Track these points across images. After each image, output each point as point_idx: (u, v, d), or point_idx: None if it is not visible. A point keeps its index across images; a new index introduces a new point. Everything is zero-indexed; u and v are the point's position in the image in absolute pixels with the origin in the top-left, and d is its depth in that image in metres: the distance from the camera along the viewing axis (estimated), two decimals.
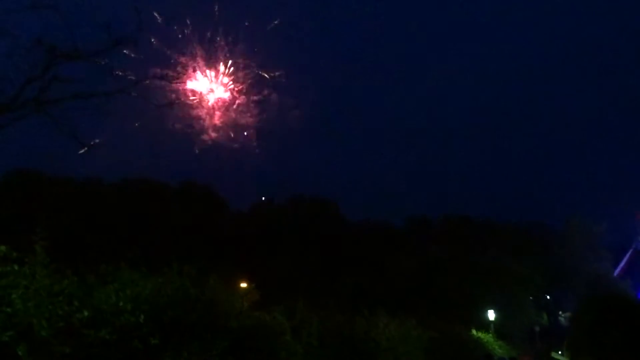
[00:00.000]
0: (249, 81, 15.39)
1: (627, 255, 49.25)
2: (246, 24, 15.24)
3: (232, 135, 16.00)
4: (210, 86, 15.26)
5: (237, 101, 15.51)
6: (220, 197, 45.09)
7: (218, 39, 14.98)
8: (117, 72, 12.98)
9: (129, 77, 13.35)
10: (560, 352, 28.45)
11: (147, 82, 13.62)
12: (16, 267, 5.30)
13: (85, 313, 5.20)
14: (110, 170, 40.74)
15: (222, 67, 15.27)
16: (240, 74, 15.25)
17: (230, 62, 15.13)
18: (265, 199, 46.06)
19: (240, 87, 15.37)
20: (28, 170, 37.14)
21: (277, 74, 15.25)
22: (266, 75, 15.33)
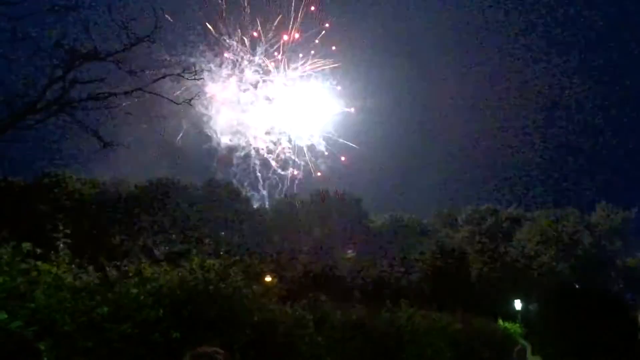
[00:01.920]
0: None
1: None
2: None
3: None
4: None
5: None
6: (244, 193, 45.50)
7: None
8: (135, 72, 13.16)
9: (147, 76, 13.55)
10: None
11: (165, 79, 13.79)
12: (40, 264, 5.41)
13: (105, 309, 5.28)
14: (136, 172, 41.47)
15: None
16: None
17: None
18: (288, 194, 46.22)
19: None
20: (57, 173, 38.16)
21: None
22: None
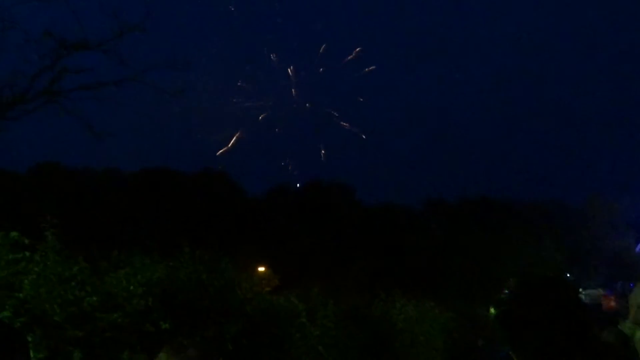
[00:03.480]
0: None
1: None
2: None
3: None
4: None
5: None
6: (238, 184, 45.47)
7: None
8: (126, 61, 12.99)
9: (139, 66, 13.37)
10: None
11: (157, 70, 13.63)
12: (27, 254, 5.37)
13: (95, 298, 5.25)
14: (130, 162, 41.33)
15: None
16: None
17: None
18: (282, 184, 46.21)
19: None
20: (50, 163, 38.06)
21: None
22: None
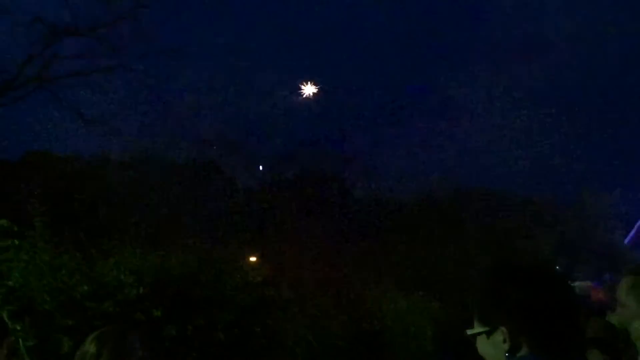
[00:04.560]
0: None
1: (638, 225, 48.99)
2: None
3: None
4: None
5: None
6: (227, 173, 45.32)
7: None
8: (117, 48, 12.89)
9: (130, 52, 13.28)
10: None
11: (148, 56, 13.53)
12: (17, 242, 5.33)
13: (85, 287, 5.23)
14: (121, 149, 41.10)
15: None
16: None
17: None
18: (271, 174, 46.09)
19: None
20: (39, 151, 37.75)
21: None
22: None
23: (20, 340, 4.33)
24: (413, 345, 12.18)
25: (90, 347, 2.60)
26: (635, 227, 48.78)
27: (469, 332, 1.82)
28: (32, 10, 12.78)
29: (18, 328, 4.41)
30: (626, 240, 46.84)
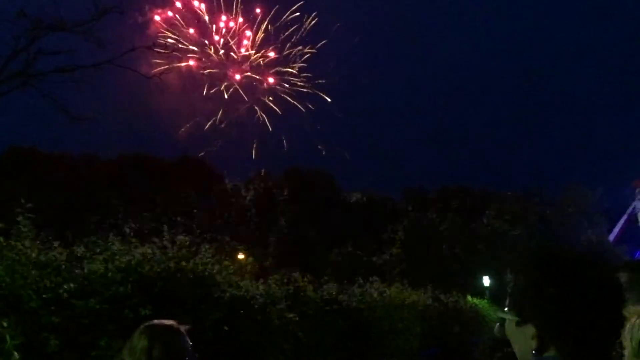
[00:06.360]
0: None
1: (621, 221, 49.62)
2: None
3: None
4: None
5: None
6: (216, 170, 45.08)
7: None
8: (104, 44, 12.75)
9: (116, 48, 13.15)
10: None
11: (134, 53, 13.41)
12: (2, 239, 5.26)
13: (72, 284, 5.17)
14: (109, 147, 40.63)
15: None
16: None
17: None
18: (261, 171, 45.93)
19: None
20: (24, 147, 37.24)
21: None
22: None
23: (7, 337, 4.28)
24: (401, 341, 12.24)
25: (140, 341, 2.57)
26: (618, 224, 49.43)
27: (499, 314, 1.72)
28: (17, 5, 12.55)
29: (5, 325, 4.35)
30: (610, 238, 47.46)
